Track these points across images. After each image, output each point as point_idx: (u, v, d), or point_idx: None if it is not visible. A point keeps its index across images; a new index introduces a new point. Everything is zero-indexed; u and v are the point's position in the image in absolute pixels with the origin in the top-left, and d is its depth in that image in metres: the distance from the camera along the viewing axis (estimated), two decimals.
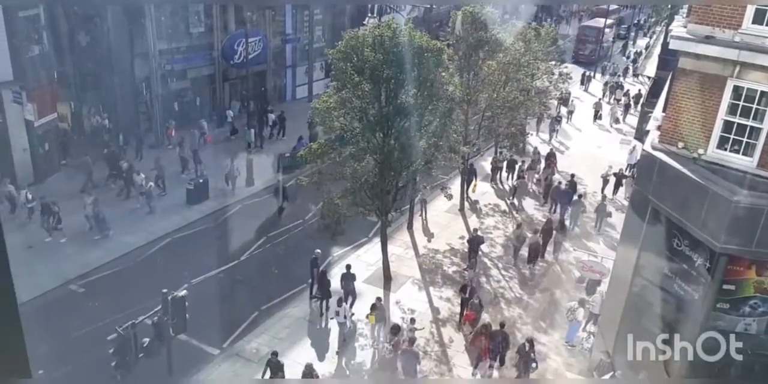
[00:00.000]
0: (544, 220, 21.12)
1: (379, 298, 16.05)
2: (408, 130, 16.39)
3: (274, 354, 13.76)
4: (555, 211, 22.55)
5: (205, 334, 15.29)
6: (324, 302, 16.68)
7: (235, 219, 21.70)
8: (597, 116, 34.30)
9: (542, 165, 25.86)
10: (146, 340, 14.25)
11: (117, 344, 14.04)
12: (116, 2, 24.87)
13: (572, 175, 23.72)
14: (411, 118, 16.27)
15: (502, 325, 14.85)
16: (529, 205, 24.13)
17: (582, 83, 40.80)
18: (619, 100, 36.55)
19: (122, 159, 23.34)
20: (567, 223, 21.67)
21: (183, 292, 12.10)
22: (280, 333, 15.96)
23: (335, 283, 17.03)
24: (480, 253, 19.48)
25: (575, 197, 22.28)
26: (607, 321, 13.83)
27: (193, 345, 14.99)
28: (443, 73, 16.86)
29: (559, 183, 23.69)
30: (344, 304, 15.68)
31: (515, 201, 24.11)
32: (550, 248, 19.99)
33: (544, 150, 27.54)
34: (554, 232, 20.03)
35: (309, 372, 13.23)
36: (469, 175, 23.28)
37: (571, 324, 15.65)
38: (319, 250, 17.56)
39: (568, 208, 22.08)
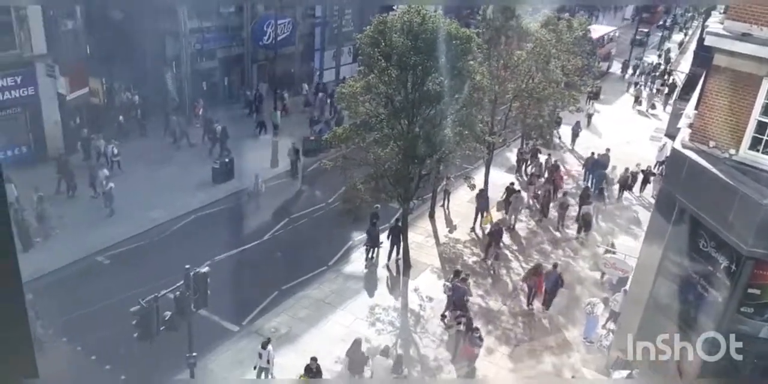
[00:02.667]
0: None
1: (314, 359, 13.53)
2: (433, 117, 16.35)
3: (314, 359, 13.29)
4: (587, 180, 24.77)
5: (226, 310, 15.61)
6: (373, 250, 18.70)
7: (260, 199, 21.94)
8: (637, 101, 36.22)
9: (542, 179, 23.70)
10: (168, 313, 14.56)
11: (140, 316, 14.40)
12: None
13: (607, 149, 24.95)
14: (437, 106, 16.21)
15: (554, 265, 17.15)
16: (521, 224, 21.54)
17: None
18: (659, 90, 38.01)
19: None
20: (605, 192, 23.52)
21: (205, 269, 12.31)
22: (299, 313, 16.20)
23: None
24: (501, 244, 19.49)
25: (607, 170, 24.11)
26: (628, 319, 13.77)
27: (213, 321, 15.31)
28: (471, 62, 16.70)
29: (592, 153, 25.08)
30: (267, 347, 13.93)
31: (509, 217, 21.28)
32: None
33: (555, 156, 26.17)
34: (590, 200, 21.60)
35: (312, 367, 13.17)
36: (479, 203, 20.88)
37: (588, 318, 15.62)
38: (378, 205, 18.40)
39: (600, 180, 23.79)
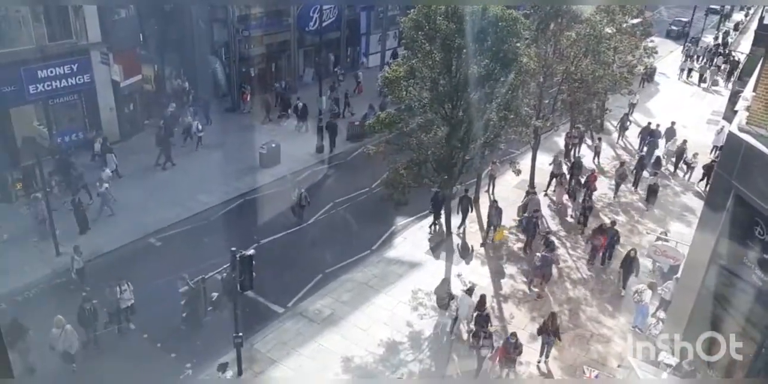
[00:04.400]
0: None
1: None
2: (478, 101, 16.09)
3: None
4: (642, 150, 25.00)
5: (271, 292, 15.98)
6: (435, 220, 19.56)
7: (304, 184, 22.20)
8: (702, 79, 35.83)
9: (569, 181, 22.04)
10: (215, 294, 15.08)
11: (188, 296, 14.95)
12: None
13: (673, 122, 25.59)
14: (482, 90, 15.94)
15: (613, 223, 18.40)
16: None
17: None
18: (719, 67, 37.37)
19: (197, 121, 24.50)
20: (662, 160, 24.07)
21: (251, 251, 12.58)
22: (343, 296, 16.40)
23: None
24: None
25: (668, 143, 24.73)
26: (678, 308, 13.36)
27: (258, 302, 15.70)
28: (518, 44, 16.32)
29: (649, 123, 25.72)
30: None
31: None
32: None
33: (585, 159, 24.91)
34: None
35: None
36: (490, 216, 18.96)
37: (637, 306, 15.24)
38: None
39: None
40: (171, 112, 24.65)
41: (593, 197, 20.88)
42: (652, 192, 21.44)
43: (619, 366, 14.10)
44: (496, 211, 18.87)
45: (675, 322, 13.26)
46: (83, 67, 22.01)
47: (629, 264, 16.66)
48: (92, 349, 14.01)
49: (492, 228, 18.99)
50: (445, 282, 16.04)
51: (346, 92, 28.87)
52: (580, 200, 20.56)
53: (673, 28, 45.69)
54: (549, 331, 13.97)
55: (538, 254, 16.79)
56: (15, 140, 21.24)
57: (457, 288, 16.51)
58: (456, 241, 19.09)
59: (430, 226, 19.66)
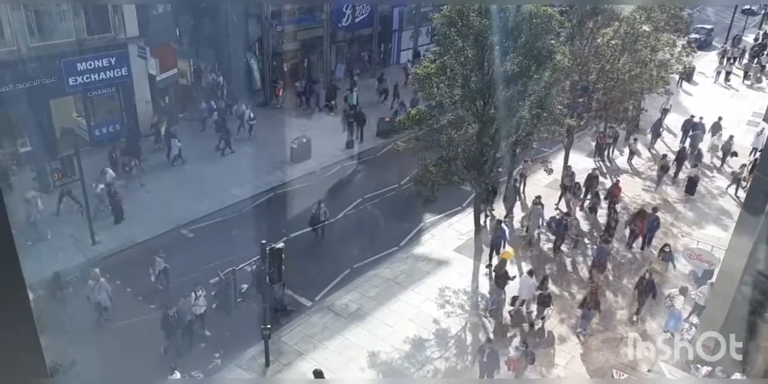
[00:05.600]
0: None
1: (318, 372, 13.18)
2: (510, 99, 15.94)
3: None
4: (684, 142, 25.04)
5: (299, 285, 16.13)
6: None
7: (334, 179, 22.37)
8: (746, 76, 35.31)
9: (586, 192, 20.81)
10: (244, 286, 15.27)
11: (218, 288, 15.17)
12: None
13: (720, 117, 25.63)
14: (514, 87, 15.79)
15: (654, 209, 18.61)
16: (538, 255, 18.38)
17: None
18: (764, 66, 36.39)
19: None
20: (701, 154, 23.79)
21: (280, 245, 12.72)
22: (370, 292, 16.47)
23: None
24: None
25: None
26: (712, 313, 13.08)
27: (287, 295, 15.86)
28: (552, 41, 16.08)
29: (692, 116, 25.64)
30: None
31: (527, 233, 18.82)
32: None
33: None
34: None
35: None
36: (494, 238, 17.47)
37: (669, 311, 14.95)
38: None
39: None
40: (225, 102, 25.77)
41: (617, 209, 19.64)
42: (692, 183, 21.58)
43: (649, 370, 13.87)
44: (498, 231, 17.15)
45: (708, 328, 12.97)
46: (121, 61, 22.49)
47: (645, 286, 15.28)
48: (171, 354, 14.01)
49: (495, 251, 17.26)
50: (503, 262, 16.18)
51: (396, 83, 28.95)
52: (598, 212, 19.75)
53: (695, 36, 38.64)
54: (589, 305, 14.57)
55: (597, 245, 17.45)
56: (54, 131, 21.84)
57: (484, 285, 16.43)
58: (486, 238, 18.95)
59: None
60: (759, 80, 35.09)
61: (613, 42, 19.65)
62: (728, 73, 35.56)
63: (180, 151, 22.18)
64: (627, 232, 18.63)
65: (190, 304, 14.41)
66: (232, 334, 14.58)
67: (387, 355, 14.26)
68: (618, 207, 20.00)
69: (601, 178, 22.26)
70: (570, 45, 19.12)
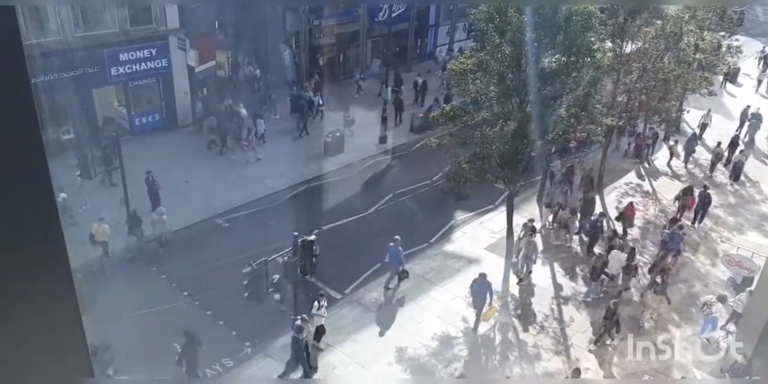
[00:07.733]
0: None
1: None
2: (547, 97, 15.74)
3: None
4: (740, 130, 25.44)
5: (329, 278, 16.24)
6: None
7: (367, 173, 22.44)
8: None
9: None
10: (276, 276, 15.47)
11: (250, 278, 15.42)
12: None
13: (758, 108, 26.18)
14: (552, 85, 15.58)
15: (705, 186, 19.68)
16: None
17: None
18: None
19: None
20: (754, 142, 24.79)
21: (312, 237, 12.86)
22: (399, 287, 16.50)
23: None
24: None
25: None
26: (751, 321, 12.76)
27: (317, 287, 15.99)
28: (593, 39, 15.79)
29: (748, 106, 26.30)
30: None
31: (520, 267, 17.15)
32: None
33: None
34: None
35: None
36: (475, 296, 15.17)
37: (706, 318, 14.63)
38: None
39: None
40: (296, 90, 26.76)
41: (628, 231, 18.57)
42: (736, 168, 22.16)
43: (683, 378, 13.61)
44: (482, 285, 14.85)
45: (746, 337, 12.67)
46: (162, 52, 22.91)
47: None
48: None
49: (478, 309, 15.10)
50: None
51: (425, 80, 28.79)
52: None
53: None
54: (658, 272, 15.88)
55: (665, 231, 17.69)
56: (96, 120, 22.41)
57: (514, 286, 16.31)
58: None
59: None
60: None
61: (656, 41, 19.21)
62: None
63: (265, 132, 23.36)
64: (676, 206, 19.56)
65: (312, 313, 13.92)
66: (262, 324, 14.78)
67: (415, 351, 14.29)
68: (630, 230, 18.72)
69: (638, 181, 21.86)
70: (612, 43, 18.77)
